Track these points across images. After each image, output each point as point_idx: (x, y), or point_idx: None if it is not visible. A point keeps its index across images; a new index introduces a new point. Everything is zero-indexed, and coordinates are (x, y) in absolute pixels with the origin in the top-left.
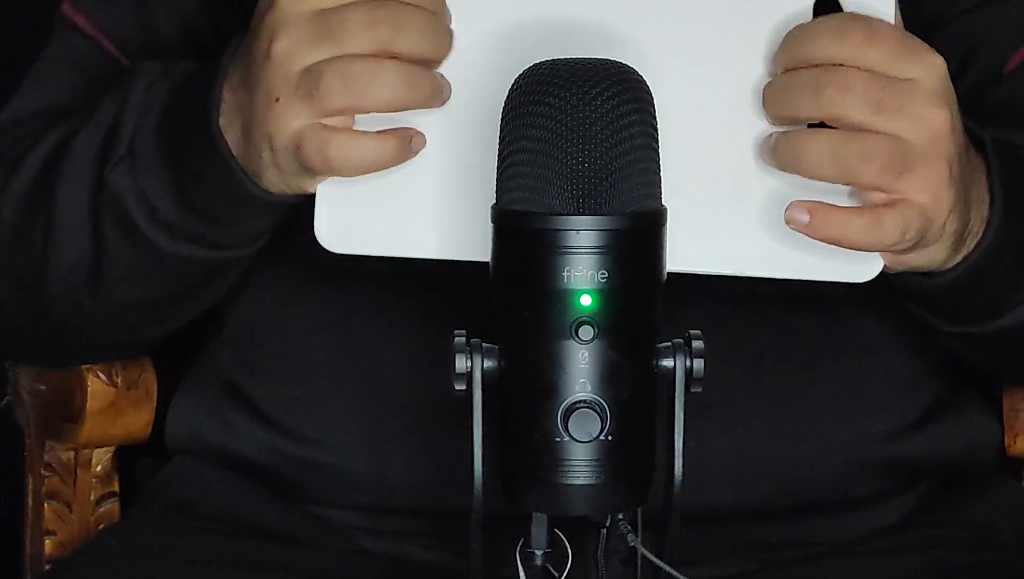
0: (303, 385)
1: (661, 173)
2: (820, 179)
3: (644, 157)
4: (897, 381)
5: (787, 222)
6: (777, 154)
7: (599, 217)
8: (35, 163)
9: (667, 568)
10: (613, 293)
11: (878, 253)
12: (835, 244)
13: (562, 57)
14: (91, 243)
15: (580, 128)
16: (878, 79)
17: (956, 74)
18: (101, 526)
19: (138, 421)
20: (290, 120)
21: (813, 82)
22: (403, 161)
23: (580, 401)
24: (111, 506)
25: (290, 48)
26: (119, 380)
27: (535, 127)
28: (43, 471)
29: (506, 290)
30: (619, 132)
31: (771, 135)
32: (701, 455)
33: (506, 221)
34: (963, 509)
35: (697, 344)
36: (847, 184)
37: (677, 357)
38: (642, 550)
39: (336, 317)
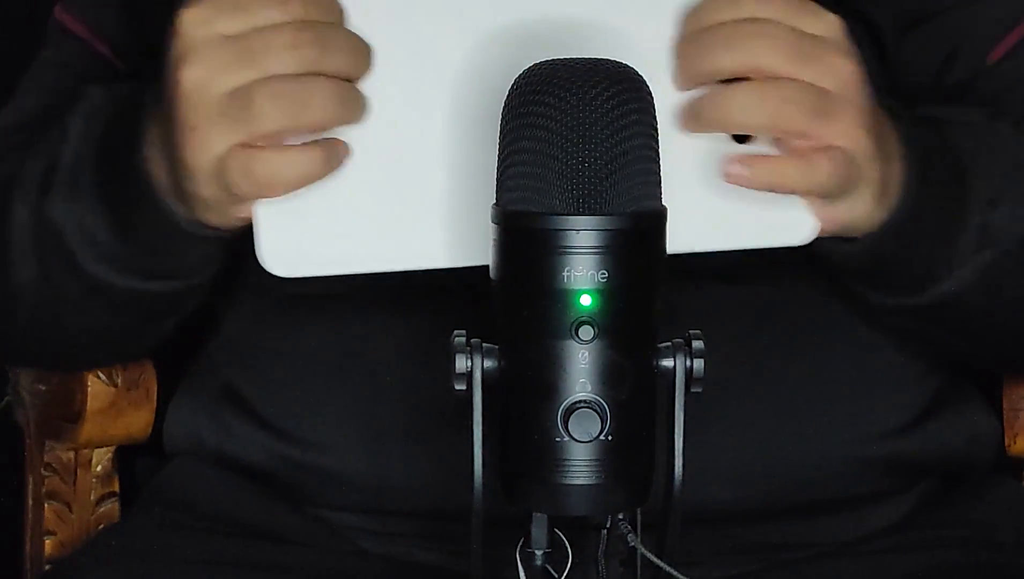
0: (301, 387)
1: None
2: (748, 130)
3: (644, 157)
4: (896, 379)
5: (727, 177)
6: (703, 114)
7: (599, 217)
8: None
9: (667, 568)
10: (613, 293)
11: (810, 213)
12: (775, 191)
13: (562, 57)
14: (38, 272)
15: (580, 128)
16: (793, 30)
17: (941, 70)
18: (101, 526)
19: (138, 421)
20: (210, 147)
21: (733, 34)
22: (331, 172)
23: (580, 401)
24: (111, 506)
25: (201, 75)
26: (119, 380)
27: (535, 127)
28: (43, 471)
29: (506, 290)
30: (619, 132)
31: (690, 100)
32: (700, 455)
33: (506, 221)
34: (963, 509)
35: (697, 344)
36: (774, 132)
37: (677, 357)
38: (642, 550)
39: (334, 318)
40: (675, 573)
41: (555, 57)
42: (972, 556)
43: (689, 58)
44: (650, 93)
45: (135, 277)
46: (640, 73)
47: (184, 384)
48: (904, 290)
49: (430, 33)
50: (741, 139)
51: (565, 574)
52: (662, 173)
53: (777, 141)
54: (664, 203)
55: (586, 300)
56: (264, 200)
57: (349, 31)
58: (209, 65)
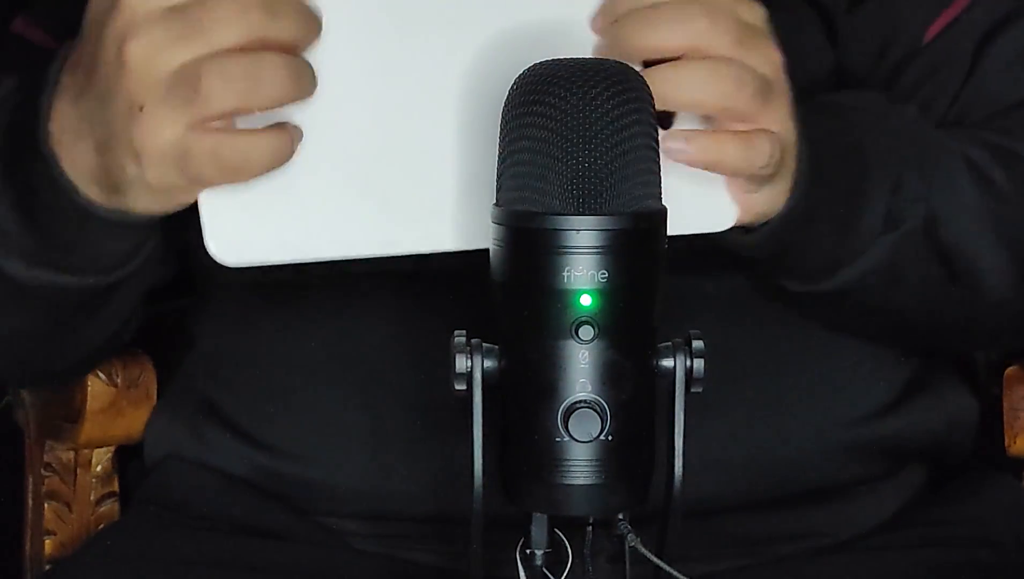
0: (283, 398)
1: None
2: (693, 108)
3: (644, 157)
4: (872, 363)
5: (666, 152)
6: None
7: (599, 217)
8: None
9: (665, 567)
10: (613, 293)
11: (732, 201)
12: (712, 169)
13: (562, 57)
14: None
15: (580, 128)
16: (734, 15)
17: (879, 53)
18: (101, 526)
19: (138, 421)
20: (162, 129)
21: (679, 14)
22: (290, 156)
23: (580, 401)
24: (111, 506)
25: (148, 51)
26: (119, 380)
27: (535, 127)
28: (43, 471)
29: (506, 290)
30: (619, 132)
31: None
32: (687, 448)
33: (506, 221)
34: (960, 507)
35: (697, 344)
36: (720, 112)
37: (677, 357)
38: (642, 550)
39: (323, 322)
40: (672, 571)
41: (555, 57)
42: (969, 554)
43: (628, 32)
44: (650, 93)
45: (47, 270)
46: (640, 73)
47: (162, 400)
48: (809, 277)
49: (433, 36)
50: (664, 123)
51: (565, 574)
52: None
53: (709, 123)
54: None
55: (586, 300)
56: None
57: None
58: (153, 40)
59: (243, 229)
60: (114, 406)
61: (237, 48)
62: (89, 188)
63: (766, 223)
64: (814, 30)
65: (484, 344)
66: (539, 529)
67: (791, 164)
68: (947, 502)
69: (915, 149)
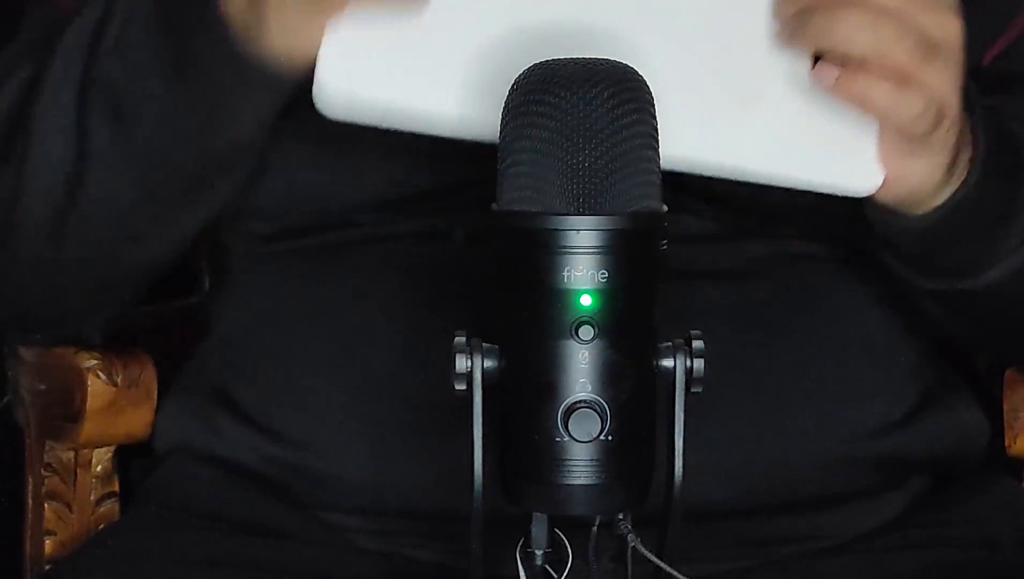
0: (293, 388)
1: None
2: (848, 52)
3: (644, 157)
4: (885, 376)
5: (815, 78)
6: (808, 28)
7: (599, 217)
8: (9, 93)
9: (665, 567)
10: (613, 293)
11: (879, 165)
12: (859, 106)
13: (562, 57)
14: (74, 147)
15: (580, 128)
16: (921, 31)
17: None
18: (101, 526)
19: (138, 421)
20: None
21: (868, 22)
22: (417, 8)
23: (580, 401)
24: (111, 506)
25: None
26: (119, 379)
27: (535, 127)
28: (43, 471)
29: (506, 290)
30: (619, 132)
31: (793, 15)
32: (690, 452)
33: (506, 221)
34: (961, 508)
35: (697, 344)
36: (877, 61)
37: (677, 357)
38: (642, 550)
39: (329, 318)
40: (672, 571)
41: (555, 57)
42: (970, 556)
43: (813, 30)
44: (650, 93)
45: (188, 128)
46: (640, 73)
47: (174, 388)
48: (946, 275)
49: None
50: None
51: (565, 574)
52: (738, 89)
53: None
54: (738, 117)
55: (586, 300)
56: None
57: None
58: None
59: (356, 84)
60: (114, 406)
61: None
62: (239, 31)
63: (930, 212)
64: None
65: (484, 344)
66: (539, 529)
67: (951, 140)
68: (948, 503)
69: None
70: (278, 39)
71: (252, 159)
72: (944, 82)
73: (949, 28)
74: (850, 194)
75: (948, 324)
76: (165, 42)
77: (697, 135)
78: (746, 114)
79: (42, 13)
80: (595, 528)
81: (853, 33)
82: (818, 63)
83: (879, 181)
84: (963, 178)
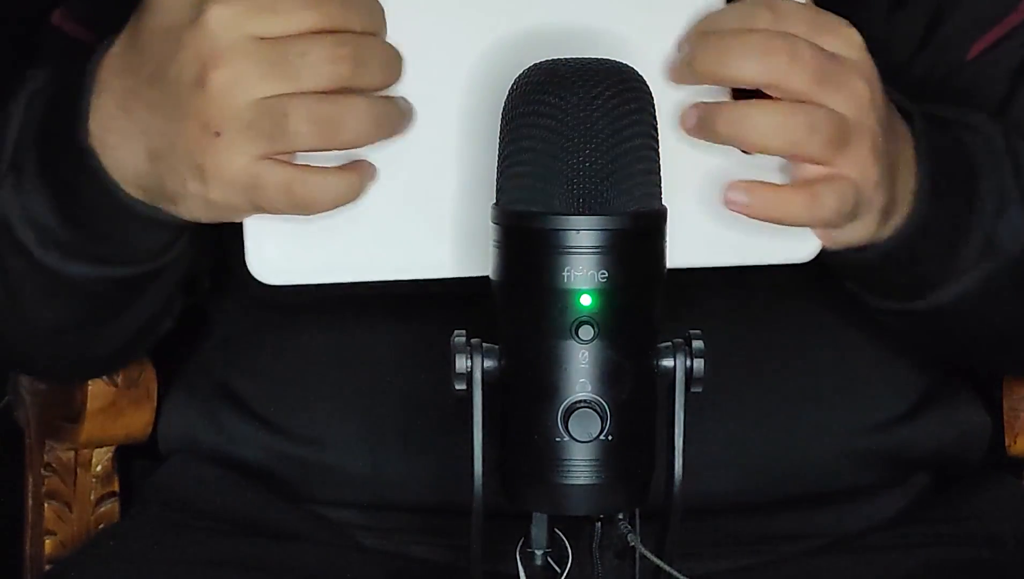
0: (300, 384)
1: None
2: (762, 151)
3: (644, 157)
4: (887, 373)
5: (727, 204)
6: (718, 127)
7: (600, 217)
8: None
9: (665, 567)
10: (613, 293)
11: (812, 231)
12: (776, 223)
13: (562, 57)
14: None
15: (580, 128)
16: (818, 50)
17: (921, 42)
18: (101, 526)
19: (138, 421)
20: (236, 156)
21: (760, 46)
22: (361, 195)
23: (580, 401)
24: (111, 506)
25: (233, 80)
26: (119, 380)
27: (535, 127)
28: (43, 471)
29: (506, 290)
30: (620, 132)
31: (698, 106)
32: (694, 448)
33: (506, 221)
34: (962, 506)
35: (697, 344)
36: (789, 157)
37: (677, 357)
38: (642, 550)
39: (334, 316)
40: (672, 571)
41: (555, 57)
42: (971, 554)
43: (706, 58)
44: (650, 93)
45: (84, 262)
46: (640, 73)
47: (178, 384)
48: (904, 296)
49: (433, 37)
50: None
51: (565, 573)
52: (664, 185)
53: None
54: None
55: (586, 300)
56: None
57: (384, 43)
58: (241, 71)
59: (286, 249)
60: (114, 406)
61: (326, 91)
62: (132, 189)
63: (877, 245)
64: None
65: (484, 344)
66: (539, 529)
67: (877, 201)
68: (948, 501)
69: (1014, 172)
70: (190, 213)
71: (179, 265)
72: (858, 160)
73: (860, 96)
74: (791, 262)
75: (915, 341)
76: (51, 181)
77: None
78: (676, 208)
79: (56, 42)
80: (598, 525)
81: (764, 136)
82: (729, 188)
83: (816, 247)
84: (906, 211)
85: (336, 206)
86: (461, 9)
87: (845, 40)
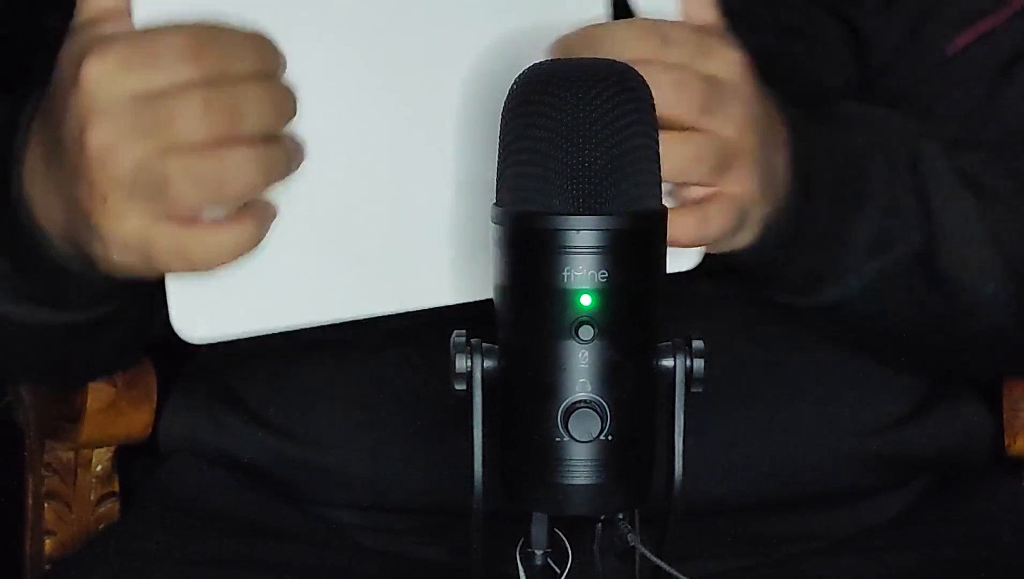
0: (301, 385)
1: (660, 174)
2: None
3: (644, 157)
4: (889, 374)
5: None
6: None
7: (599, 217)
8: None
9: (666, 567)
10: (613, 293)
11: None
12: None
13: (562, 57)
14: None
15: (580, 128)
16: (702, 79)
17: (909, 36)
18: (101, 526)
19: (138, 421)
20: (125, 221)
21: (648, 80)
22: (262, 240)
23: (580, 401)
24: (111, 506)
25: (110, 143)
26: (119, 380)
27: (535, 127)
28: (43, 471)
29: (506, 290)
30: (619, 132)
31: None
32: (695, 449)
33: (506, 221)
34: (962, 508)
35: (697, 344)
36: (676, 183)
37: (677, 357)
38: (642, 550)
39: None
40: (672, 571)
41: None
42: (971, 555)
43: None
44: (649, 93)
45: (33, 306)
46: (640, 73)
47: (178, 385)
48: (794, 292)
49: (433, 37)
50: None
51: (565, 573)
52: None
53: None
54: None
55: (586, 300)
56: None
57: (270, 84)
58: (116, 131)
59: (211, 304)
60: (114, 406)
61: (206, 144)
62: (59, 242)
63: (746, 248)
64: (837, 45)
65: (484, 344)
66: (539, 529)
67: (758, 215)
68: (950, 502)
69: (917, 174)
70: (108, 270)
71: (135, 305)
72: (740, 178)
73: (740, 118)
74: (676, 271)
75: (837, 336)
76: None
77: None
78: None
79: (54, 48)
80: (599, 525)
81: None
82: None
83: (700, 255)
84: (778, 211)
85: (236, 258)
86: (462, 10)
87: (726, 63)
